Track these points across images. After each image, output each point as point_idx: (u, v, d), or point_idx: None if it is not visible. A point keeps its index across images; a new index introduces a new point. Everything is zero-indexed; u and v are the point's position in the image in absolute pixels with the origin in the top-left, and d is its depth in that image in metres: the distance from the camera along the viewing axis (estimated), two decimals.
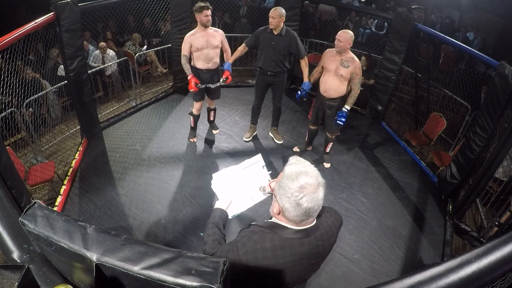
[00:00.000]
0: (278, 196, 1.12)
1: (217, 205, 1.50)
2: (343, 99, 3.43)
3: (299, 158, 1.19)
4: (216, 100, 4.13)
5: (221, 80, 3.76)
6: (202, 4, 3.42)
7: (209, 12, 3.44)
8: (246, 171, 1.58)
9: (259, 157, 1.63)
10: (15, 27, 2.86)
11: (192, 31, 3.58)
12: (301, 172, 1.08)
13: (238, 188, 1.54)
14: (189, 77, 3.54)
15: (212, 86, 3.84)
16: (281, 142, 4.30)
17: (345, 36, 3.12)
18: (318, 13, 7.23)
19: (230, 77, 3.72)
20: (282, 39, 3.50)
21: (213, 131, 4.41)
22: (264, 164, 1.61)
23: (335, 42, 3.19)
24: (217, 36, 3.63)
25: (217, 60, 3.72)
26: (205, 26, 3.52)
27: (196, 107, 3.98)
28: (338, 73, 3.26)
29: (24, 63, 3.90)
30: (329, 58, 3.33)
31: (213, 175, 1.55)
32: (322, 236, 1.18)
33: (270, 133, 4.41)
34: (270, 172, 1.59)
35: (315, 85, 3.67)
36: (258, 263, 1.12)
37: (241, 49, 3.71)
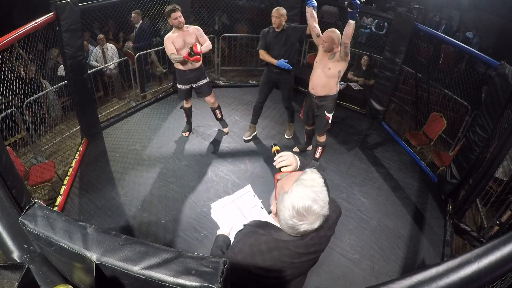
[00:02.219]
0: (278, 204, 1.13)
1: (219, 232, 1.53)
2: (332, 99, 3.38)
3: (315, 174, 1.11)
4: (216, 100, 4.12)
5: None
6: (170, 6, 3.40)
7: (177, 14, 3.41)
8: (240, 200, 1.62)
9: (248, 188, 1.67)
10: (13, 28, 2.85)
11: (169, 34, 3.57)
12: (308, 198, 1.04)
13: (235, 215, 1.58)
14: (184, 57, 3.47)
15: (194, 85, 3.85)
16: (289, 137, 4.39)
17: (328, 35, 3.11)
18: (321, 14, 7.21)
19: (198, 57, 3.54)
20: (285, 33, 3.59)
21: (223, 129, 4.41)
22: (254, 194, 1.64)
23: (321, 42, 3.17)
24: (192, 33, 3.60)
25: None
26: (178, 28, 3.51)
27: (185, 102, 4.11)
28: (326, 67, 3.23)
29: (24, 63, 3.90)
30: (321, 49, 3.28)
31: (211, 205, 1.59)
32: (318, 234, 1.18)
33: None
34: (262, 200, 1.63)
35: (306, 84, 3.63)
36: (257, 265, 1.13)
37: (263, 53, 3.67)
